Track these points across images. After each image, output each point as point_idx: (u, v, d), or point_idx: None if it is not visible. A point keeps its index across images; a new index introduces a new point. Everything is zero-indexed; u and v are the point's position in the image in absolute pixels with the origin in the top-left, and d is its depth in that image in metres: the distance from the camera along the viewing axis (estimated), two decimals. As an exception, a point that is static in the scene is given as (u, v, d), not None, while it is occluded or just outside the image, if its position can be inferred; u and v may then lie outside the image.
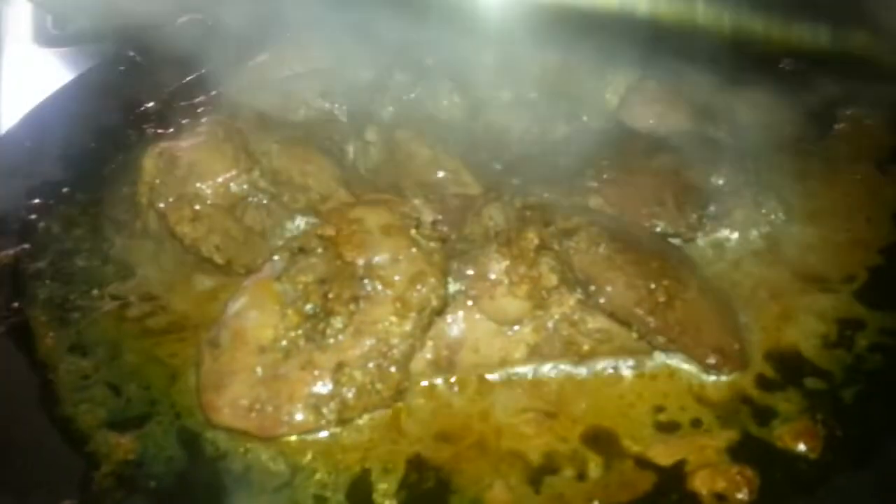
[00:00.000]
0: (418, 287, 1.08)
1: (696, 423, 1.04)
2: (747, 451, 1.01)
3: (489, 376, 1.11)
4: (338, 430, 1.05)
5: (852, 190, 1.39)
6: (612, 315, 1.08)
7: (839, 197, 1.38)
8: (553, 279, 1.09)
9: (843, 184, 1.40)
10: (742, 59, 1.69)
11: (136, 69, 1.80)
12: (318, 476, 1.01)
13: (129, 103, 1.72)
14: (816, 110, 1.57)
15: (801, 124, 1.54)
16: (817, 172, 1.43)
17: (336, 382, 1.05)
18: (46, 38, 2.20)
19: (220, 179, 1.27)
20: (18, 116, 1.67)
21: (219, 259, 1.23)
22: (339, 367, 1.05)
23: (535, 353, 1.10)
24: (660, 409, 1.06)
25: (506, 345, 1.10)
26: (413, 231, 1.11)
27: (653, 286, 1.08)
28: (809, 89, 1.63)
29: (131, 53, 1.83)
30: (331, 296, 1.08)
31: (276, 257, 1.14)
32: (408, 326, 1.07)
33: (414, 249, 1.10)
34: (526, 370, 1.11)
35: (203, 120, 1.43)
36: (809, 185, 1.40)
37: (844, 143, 1.50)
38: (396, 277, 1.08)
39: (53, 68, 2.07)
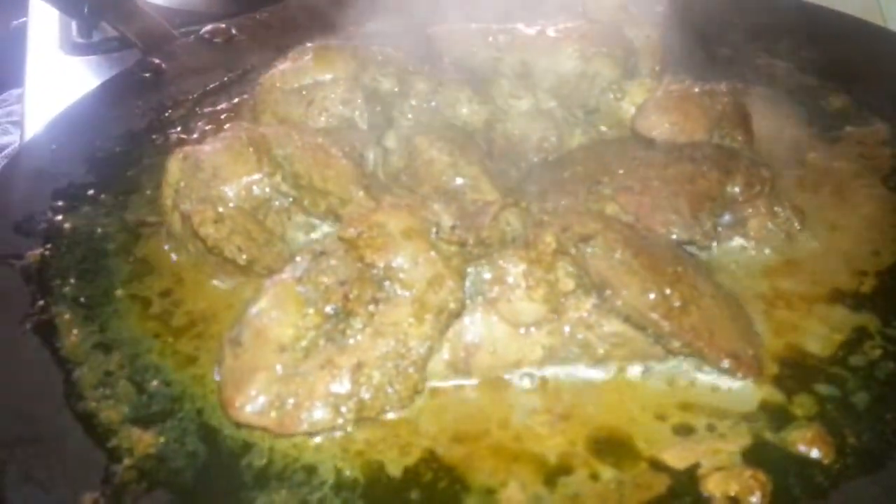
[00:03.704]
0: (437, 290, 1.10)
1: (711, 428, 1.05)
2: (760, 456, 1.01)
3: (505, 378, 1.12)
4: (355, 428, 1.07)
5: (863, 202, 1.40)
6: (627, 319, 1.10)
7: (851, 208, 1.39)
8: (569, 283, 1.11)
9: (853, 195, 1.41)
10: (755, 72, 1.73)
11: (161, 76, 1.84)
12: (336, 472, 1.03)
13: (153, 109, 1.75)
14: (827, 123, 1.59)
15: (812, 137, 1.56)
16: (828, 184, 1.44)
17: (354, 382, 1.06)
18: (72, 46, 2.24)
19: (243, 182, 1.30)
20: (45, 121, 1.71)
21: (241, 260, 1.25)
22: (358, 367, 1.07)
23: (551, 356, 1.12)
24: (674, 412, 1.07)
25: (522, 347, 1.12)
26: (433, 235, 1.13)
27: (668, 291, 1.09)
28: (820, 103, 1.66)
29: (156, 61, 1.87)
30: (351, 297, 1.10)
31: (297, 259, 1.17)
32: (426, 328, 1.09)
33: (433, 253, 1.11)
34: (542, 372, 1.12)
35: (227, 125, 1.46)
36: (821, 197, 1.41)
37: (852, 156, 1.51)
38: (416, 280, 1.10)
39: (79, 76, 2.11)
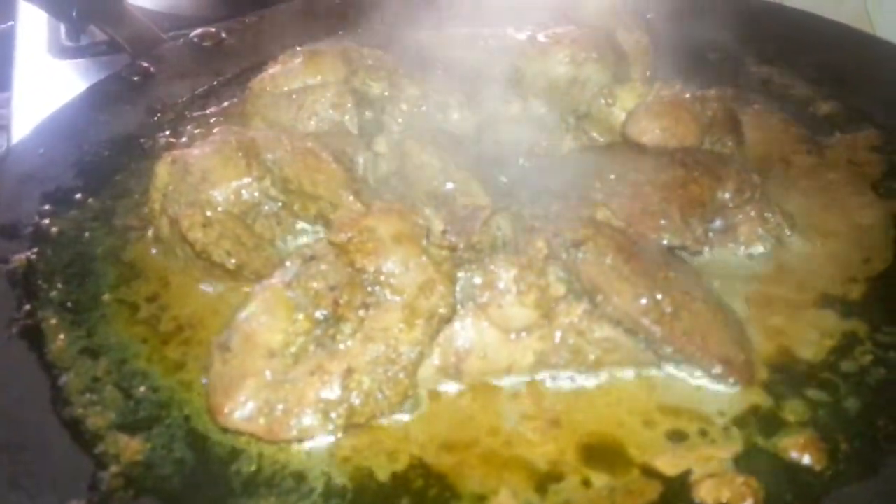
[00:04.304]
0: (427, 295, 1.09)
1: (702, 434, 1.05)
2: (752, 462, 1.01)
3: (496, 383, 1.12)
4: (345, 435, 1.06)
5: (854, 208, 1.40)
6: (618, 324, 1.09)
7: (842, 215, 1.39)
8: (561, 288, 1.11)
9: (844, 201, 1.42)
10: (746, 77, 1.73)
11: (150, 80, 1.83)
12: (325, 479, 1.02)
13: (142, 113, 1.74)
14: (817, 129, 1.59)
15: (803, 143, 1.56)
16: (819, 190, 1.44)
17: (345, 388, 1.05)
18: (60, 49, 2.23)
19: (232, 187, 1.29)
20: (32, 125, 1.69)
21: (229, 265, 1.24)
22: (348, 372, 1.06)
23: (542, 362, 1.11)
24: (665, 418, 1.07)
25: (513, 352, 1.11)
26: (424, 240, 1.13)
27: (659, 296, 1.09)
28: (810, 109, 1.66)
29: (145, 64, 1.86)
30: (341, 302, 1.09)
31: (287, 263, 1.16)
32: (416, 333, 1.08)
33: (424, 258, 1.11)
34: (533, 378, 1.12)
35: (216, 129, 1.45)
36: (812, 203, 1.41)
37: (842, 162, 1.52)
38: (406, 285, 1.09)
39: (67, 79, 2.10)
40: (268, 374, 1.06)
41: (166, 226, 1.31)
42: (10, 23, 2.51)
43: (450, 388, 1.12)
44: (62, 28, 2.25)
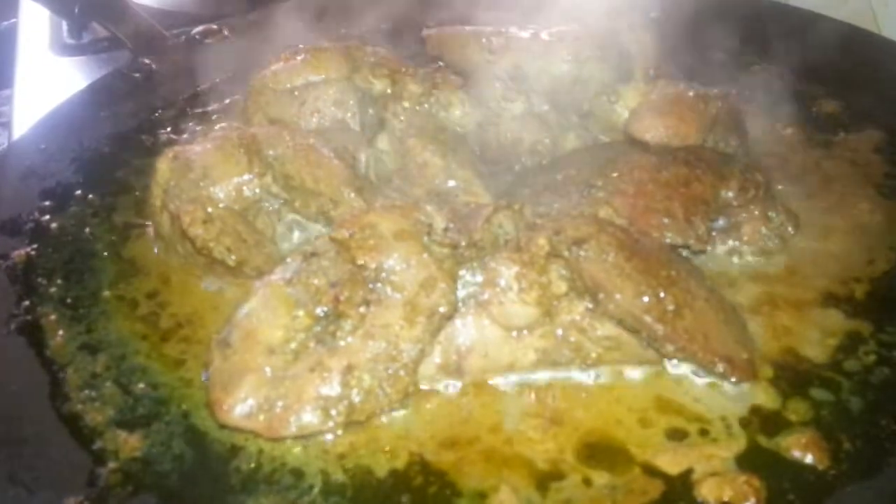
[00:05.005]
0: (428, 292, 1.08)
1: (704, 433, 1.04)
2: (755, 461, 1.00)
3: (497, 381, 1.11)
4: (344, 432, 1.05)
5: (856, 208, 1.40)
6: (620, 322, 1.09)
7: (845, 214, 1.39)
8: (562, 286, 1.10)
9: (847, 201, 1.41)
10: (749, 76, 1.73)
11: (152, 77, 1.83)
12: (325, 476, 1.01)
13: (143, 109, 1.74)
14: (820, 129, 1.59)
15: (806, 142, 1.56)
16: (822, 190, 1.44)
17: (344, 385, 1.05)
18: (62, 47, 2.23)
19: (233, 183, 1.29)
20: (33, 121, 1.69)
21: (230, 261, 1.24)
22: (348, 369, 1.05)
23: (544, 360, 1.11)
24: (667, 417, 1.06)
25: (514, 350, 1.10)
26: (425, 237, 1.12)
27: (662, 294, 1.08)
28: (813, 108, 1.66)
29: (147, 61, 1.86)
30: (342, 299, 1.09)
31: (288, 260, 1.15)
32: (417, 331, 1.08)
33: (425, 255, 1.10)
34: (534, 376, 1.11)
35: (217, 126, 1.44)
36: (815, 202, 1.41)
37: (845, 162, 1.51)
38: (407, 282, 1.09)
39: (69, 76, 2.10)
40: (268, 370, 1.06)
41: (167, 222, 1.31)
42: (12, 20, 2.51)
43: (450, 385, 1.11)
44: (64, 25, 2.25)
